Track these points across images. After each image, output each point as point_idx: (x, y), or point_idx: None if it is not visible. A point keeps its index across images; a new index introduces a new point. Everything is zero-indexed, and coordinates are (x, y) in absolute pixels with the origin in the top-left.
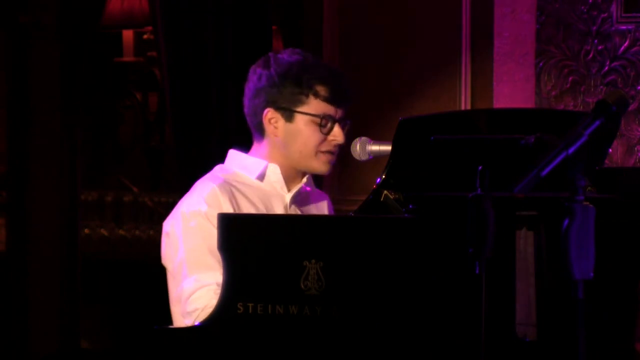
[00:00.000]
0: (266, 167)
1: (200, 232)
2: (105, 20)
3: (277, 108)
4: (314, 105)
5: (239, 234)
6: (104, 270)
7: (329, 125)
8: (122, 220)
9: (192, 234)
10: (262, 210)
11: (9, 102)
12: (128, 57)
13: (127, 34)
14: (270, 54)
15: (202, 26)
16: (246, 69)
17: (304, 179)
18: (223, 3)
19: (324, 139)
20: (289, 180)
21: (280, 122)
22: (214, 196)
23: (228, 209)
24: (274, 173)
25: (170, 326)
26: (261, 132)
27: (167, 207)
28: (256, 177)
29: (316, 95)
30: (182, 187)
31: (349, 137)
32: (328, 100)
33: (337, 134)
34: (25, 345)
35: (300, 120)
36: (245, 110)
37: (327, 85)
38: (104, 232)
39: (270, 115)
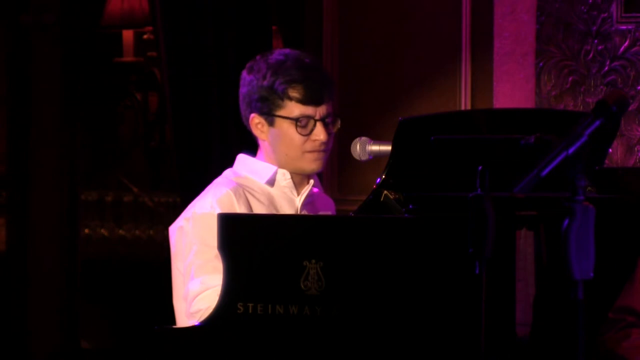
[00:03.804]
0: (276, 173)
1: (210, 235)
2: (105, 20)
3: (261, 113)
4: (290, 108)
5: (238, 234)
6: (104, 270)
7: (309, 125)
8: (122, 220)
9: (202, 236)
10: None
11: (10, 102)
12: (128, 57)
13: (127, 34)
14: (258, 56)
15: (202, 26)
16: None
17: (312, 181)
18: (223, 3)
19: (307, 139)
20: (297, 184)
21: (265, 126)
22: (228, 200)
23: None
24: (284, 178)
25: (173, 324)
26: (256, 138)
27: (167, 207)
28: (265, 182)
29: (290, 98)
30: (182, 187)
31: (349, 137)
32: (302, 101)
33: (318, 133)
34: (25, 345)
35: (281, 124)
36: (241, 115)
37: (298, 87)
38: (104, 232)
39: (256, 121)
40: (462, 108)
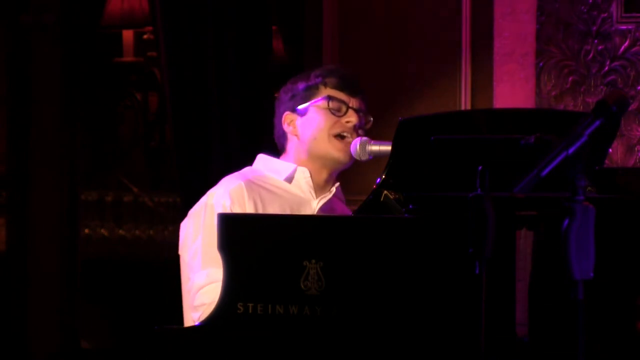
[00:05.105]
0: (295, 170)
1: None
2: (105, 20)
3: (293, 110)
4: (324, 93)
5: (239, 234)
6: (104, 270)
7: (342, 108)
8: (122, 220)
9: (211, 227)
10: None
11: (10, 102)
12: (128, 57)
13: (127, 34)
14: None
15: (202, 26)
16: (246, 69)
17: (333, 189)
18: (223, 3)
19: (337, 121)
20: (318, 187)
21: (296, 119)
22: (239, 192)
23: (250, 208)
24: (304, 176)
25: (172, 323)
26: (284, 140)
27: (167, 207)
28: (284, 179)
29: (325, 85)
30: (182, 187)
31: None
32: (338, 87)
33: (351, 116)
34: (25, 345)
35: (313, 110)
36: (275, 138)
37: (334, 74)
38: (104, 232)
39: (288, 119)
40: (462, 108)
